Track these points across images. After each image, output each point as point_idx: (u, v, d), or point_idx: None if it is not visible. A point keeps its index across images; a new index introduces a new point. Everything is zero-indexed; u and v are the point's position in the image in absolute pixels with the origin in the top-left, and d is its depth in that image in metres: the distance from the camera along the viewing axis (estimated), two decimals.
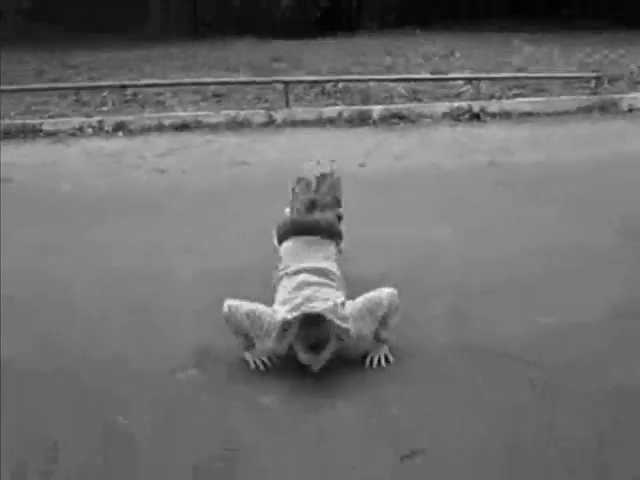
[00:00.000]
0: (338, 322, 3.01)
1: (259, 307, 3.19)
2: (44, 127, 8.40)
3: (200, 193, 5.93)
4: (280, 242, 3.74)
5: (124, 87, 9.53)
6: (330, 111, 8.72)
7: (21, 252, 4.64)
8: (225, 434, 2.75)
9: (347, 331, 3.06)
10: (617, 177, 5.96)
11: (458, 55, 12.13)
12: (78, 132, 8.36)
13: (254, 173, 6.56)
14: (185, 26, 16.95)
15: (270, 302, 3.27)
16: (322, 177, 4.06)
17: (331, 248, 3.67)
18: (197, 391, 3.04)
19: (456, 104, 8.81)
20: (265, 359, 3.21)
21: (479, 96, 9.05)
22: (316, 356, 3.01)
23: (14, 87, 9.60)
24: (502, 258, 4.36)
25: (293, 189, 4.07)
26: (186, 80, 10.21)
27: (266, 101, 9.20)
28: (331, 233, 3.73)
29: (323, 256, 3.55)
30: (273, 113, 8.68)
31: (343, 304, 3.16)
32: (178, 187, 6.17)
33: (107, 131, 8.40)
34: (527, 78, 9.84)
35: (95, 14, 15.92)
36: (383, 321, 3.19)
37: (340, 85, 9.66)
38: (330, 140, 7.83)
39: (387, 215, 5.19)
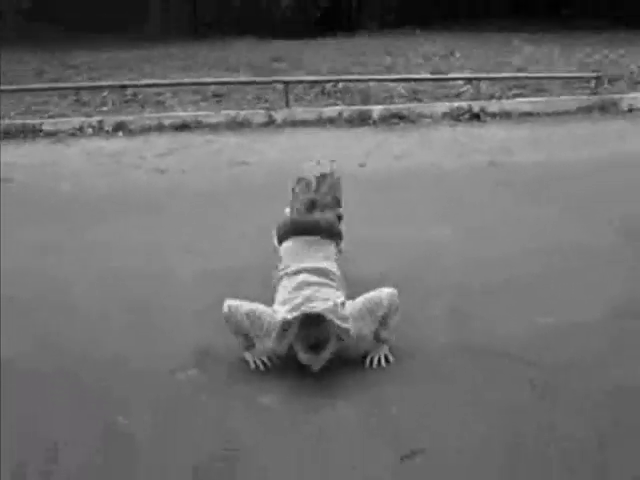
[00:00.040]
0: (338, 322, 3.01)
1: (259, 307, 3.19)
2: (44, 127, 8.40)
3: (200, 193, 5.93)
4: (280, 242, 3.74)
5: (124, 87, 9.53)
6: (330, 111, 8.72)
7: (21, 252, 4.64)
8: (225, 434, 2.75)
9: (347, 331, 3.06)
10: (617, 177, 5.96)
11: (458, 55, 12.13)
12: (78, 132, 8.36)
13: (254, 173, 6.56)
14: (185, 26, 16.96)
15: (270, 302, 3.27)
16: (322, 177, 4.06)
17: (331, 248, 3.67)
18: (197, 391, 3.04)
19: (456, 104, 8.81)
20: (265, 359, 3.21)
21: (479, 96, 9.05)
22: (316, 356, 3.01)
23: (14, 87, 9.59)
24: (502, 258, 4.36)
25: (293, 189, 4.06)
26: (186, 80, 10.21)
27: (266, 101, 9.20)
28: (331, 233, 3.72)
29: (323, 256, 3.55)
30: (273, 113, 8.68)
31: (343, 304, 3.16)
32: (178, 187, 6.17)
33: (107, 131, 8.40)
34: (527, 78, 9.84)
35: (95, 14, 15.93)
36: (383, 321, 3.19)
37: (340, 85, 9.66)
38: (330, 140, 7.82)
39: (387, 215, 5.19)
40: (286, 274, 3.42)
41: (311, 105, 9.08)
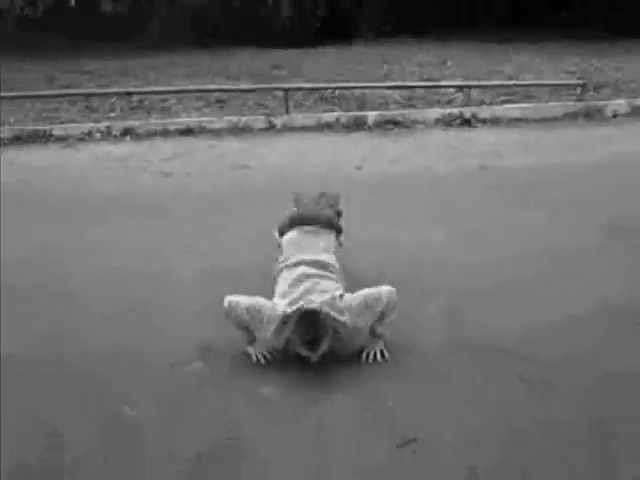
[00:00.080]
0: (335, 314, 3.01)
1: (259, 301, 3.19)
2: (55, 132, 8.40)
3: (204, 195, 5.94)
4: (281, 235, 3.76)
5: (131, 94, 9.53)
6: (328, 117, 8.73)
7: (30, 250, 4.65)
8: (228, 423, 2.77)
9: (344, 324, 3.06)
10: (603, 180, 5.96)
11: (450, 63, 12.14)
12: (87, 137, 8.36)
13: (255, 176, 6.57)
14: (189, 36, 16.92)
15: (270, 297, 3.28)
16: (322, 194, 4.13)
17: (331, 239, 3.69)
18: (201, 383, 3.06)
19: (448, 110, 8.83)
20: (266, 353, 3.21)
21: (470, 102, 9.07)
22: (313, 350, 3.02)
23: (25, 94, 9.61)
24: (494, 258, 4.37)
25: (295, 201, 4.11)
26: (190, 87, 10.21)
27: (266, 107, 9.21)
28: (331, 224, 3.76)
29: (323, 246, 3.56)
30: (273, 119, 8.69)
31: (342, 296, 3.16)
32: (183, 190, 6.18)
33: (115, 136, 8.40)
34: (516, 85, 9.84)
35: (99, 24, 15.91)
36: (380, 317, 3.19)
37: (337, 92, 9.68)
38: (328, 145, 7.83)
39: (382, 217, 5.19)
40: (286, 266, 3.42)
41: (310, 111, 9.09)
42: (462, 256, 4.42)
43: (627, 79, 10.29)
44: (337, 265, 3.49)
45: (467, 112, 8.72)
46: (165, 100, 9.65)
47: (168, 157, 7.37)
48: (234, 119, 8.66)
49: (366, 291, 3.21)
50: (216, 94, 9.74)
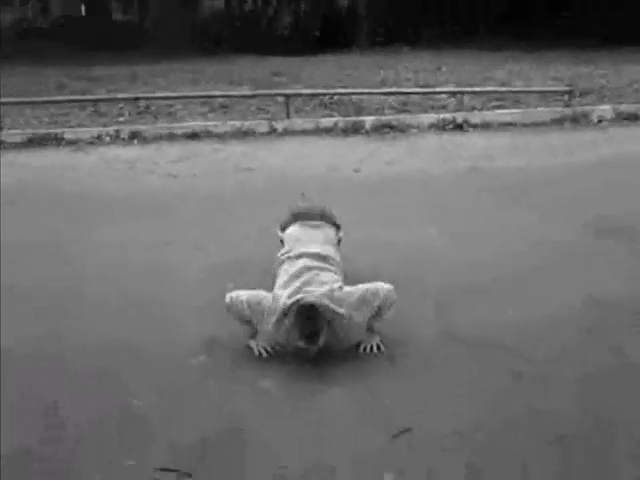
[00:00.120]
0: (333, 306, 3.00)
1: (259, 294, 3.18)
2: (66, 136, 8.39)
3: (209, 196, 5.94)
4: (283, 230, 3.76)
5: (138, 99, 9.52)
6: (327, 121, 8.73)
7: (41, 248, 4.65)
8: (229, 413, 2.77)
9: (341, 315, 3.04)
10: (589, 182, 5.97)
11: (444, 70, 12.15)
12: (97, 140, 8.35)
13: (257, 178, 6.57)
14: (193, 43, 16.91)
15: (271, 290, 3.26)
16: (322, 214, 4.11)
17: (331, 232, 3.69)
18: (205, 375, 3.06)
19: (441, 115, 8.83)
20: (267, 347, 3.20)
21: (462, 108, 9.07)
22: (311, 343, 3.00)
23: (38, 99, 9.62)
24: (487, 256, 4.37)
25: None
26: (195, 93, 10.20)
27: (268, 112, 9.21)
28: (331, 219, 3.76)
29: (324, 239, 3.56)
30: (275, 123, 8.69)
31: (341, 288, 3.15)
32: (189, 191, 6.18)
33: (123, 139, 8.40)
34: (506, 92, 9.84)
35: (108, 34, 15.92)
36: (378, 312, 3.17)
37: (336, 98, 9.68)
38: (327, 148, 7.84)
39: (379, 217, 5.19)
40: (288, 258, 3.40)
41: (310, 116, 9.09)
42: (456, 254, 4.42)
43: (612, 86, 10.30)
44: (337, 258, 3.47)
45: (459, 117, 8.72)
46: (171, 105, 9.65)
47: (174, 160, 7.37)
48: (237, 123, 8.67)
49: (365, 285, 3.20)
50: (220, 100, 9.74)
